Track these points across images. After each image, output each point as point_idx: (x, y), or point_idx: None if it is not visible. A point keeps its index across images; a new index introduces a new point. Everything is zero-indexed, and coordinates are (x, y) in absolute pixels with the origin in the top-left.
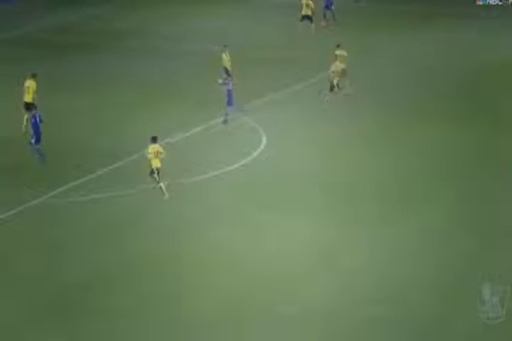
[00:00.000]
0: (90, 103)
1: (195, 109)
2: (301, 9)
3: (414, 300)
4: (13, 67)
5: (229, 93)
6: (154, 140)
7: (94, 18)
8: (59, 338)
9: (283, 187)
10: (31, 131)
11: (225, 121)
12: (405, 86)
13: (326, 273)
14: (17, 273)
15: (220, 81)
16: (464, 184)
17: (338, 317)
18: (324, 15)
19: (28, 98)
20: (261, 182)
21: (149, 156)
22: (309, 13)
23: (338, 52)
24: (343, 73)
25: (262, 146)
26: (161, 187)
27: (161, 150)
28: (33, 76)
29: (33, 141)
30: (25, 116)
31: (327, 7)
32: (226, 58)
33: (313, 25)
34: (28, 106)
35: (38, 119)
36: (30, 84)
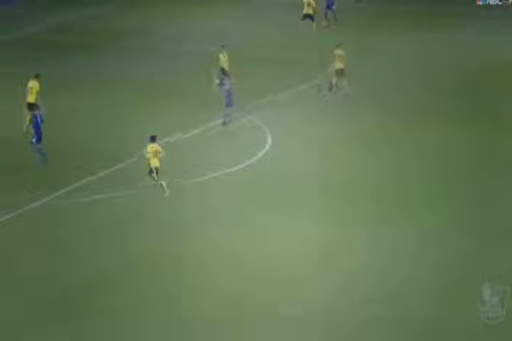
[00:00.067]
0: (90, 103)
1: (196, 109)
2: (302, 8)
3: (414, 300)
4: (16, 67)
5: (228, 93)
6: (153, 139)
7: (94, 18)
8: (60, 339)
9: (285, 187)
10: (32, 131)
11: (224, 123)
12: (406, 86)
13: (325, 273)
14: (18, 274)
15: (217, 81)
16: (464, 184)
17: (337, 317)
18: (325, 15)
19: (30, 98)
20: (264, 183)
21: (148, 155)
22: (311, 12)
23: (336, 51)
24: (342, 73)
25: (267, 147)
26: (161, 184)
27: (160, 150)
28: (37, 76)
29: (34, 140)
30: (28, 116)
31: (328, 7)
32: (223, 58)
33: (314, 24)
34: (31, 107)
35: (39, 119)
36: (33, 84)
